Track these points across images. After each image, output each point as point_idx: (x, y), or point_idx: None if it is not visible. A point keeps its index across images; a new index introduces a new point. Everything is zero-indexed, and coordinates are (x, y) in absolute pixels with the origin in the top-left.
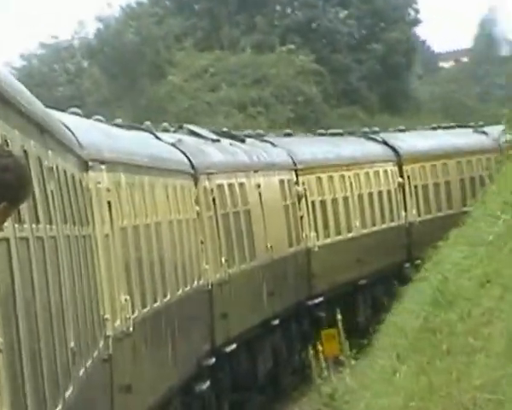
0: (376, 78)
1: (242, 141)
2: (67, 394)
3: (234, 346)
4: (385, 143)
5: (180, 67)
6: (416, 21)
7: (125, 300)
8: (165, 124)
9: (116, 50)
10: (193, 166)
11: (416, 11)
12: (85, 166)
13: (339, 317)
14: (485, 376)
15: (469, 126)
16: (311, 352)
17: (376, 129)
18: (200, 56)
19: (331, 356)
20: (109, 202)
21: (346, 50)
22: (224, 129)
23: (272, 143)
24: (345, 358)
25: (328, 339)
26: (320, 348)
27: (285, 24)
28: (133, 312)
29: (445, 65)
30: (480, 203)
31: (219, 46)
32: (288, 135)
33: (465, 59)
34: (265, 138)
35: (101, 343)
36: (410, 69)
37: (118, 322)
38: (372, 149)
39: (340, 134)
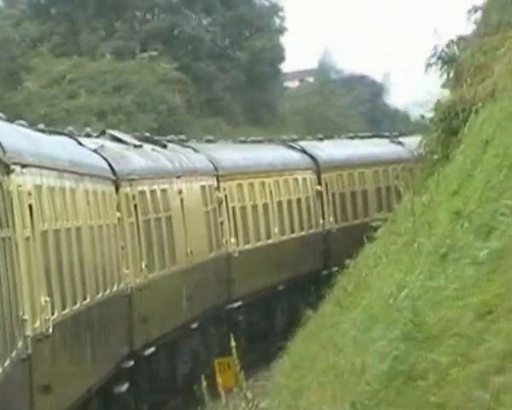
0: (241, 88)
1: (164, 147)
2: None
3: (153, 349)
4: (304, 151)
5: (36, 73)
6: (282, 30)
7: (45, 301)
8: (88, 129)
9: None
10: (114, 172)
11: (282, 19)
12: (7, 169)
13: (233, 344)
14: None
15: (385, 136)
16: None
17: (295, 137)
18: (57, 62)
19: (225, 388)
20: (30, 206)
21: (209, 58)
22: (147, 134)
23: (194, 149)
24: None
25: (222, 369)
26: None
27: (146, 30)
28: (53, 313)
29: (291, 84)
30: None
31: (78, 52)
32: (210, 141)
33: (310, 79)
34: (187, 144)
35: (20, 344)
36: (276, 79)
37: (37, 323)
38: (291, 156)
39: (261, 142)
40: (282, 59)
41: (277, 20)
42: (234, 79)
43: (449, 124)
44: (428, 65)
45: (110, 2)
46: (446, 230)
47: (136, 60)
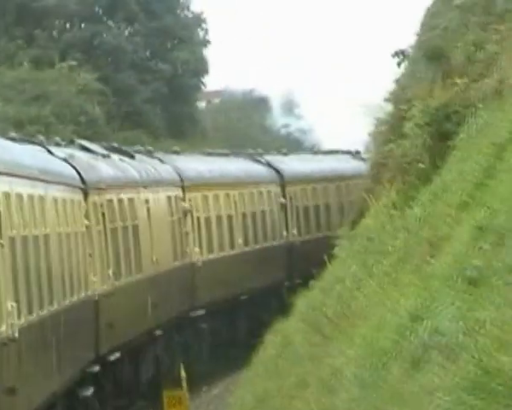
0: (162, 100)
1: (132, 157)
2: None
3: (118, 354)
4: (269, 164)
5: None
6: (205, 42)
7: (12, 306)
8: (58, 138)
9: None
10: (83, 181)
11: (206, 31)
12: None
13: (183, 374)
14: None
15: (348, 152)
16: None
17: (260, 151)
18: None
19: None
20: None
21: (130, 70)
22: (115, 145)
23: (161, 160)
24: None
25: (172, 404)
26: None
27: (65, 39)
28: (19, 318)
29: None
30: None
31: None
32: (176, 152)
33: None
34: (154, 155)
35: None
36: (199, 92)
37: (3, 327)
38: (257, 169)
39: (227, 154)
40: (205, 72)
41: (201, 33)
42: (155, 92)
43: (437, 128)
44: (401, 60)
45: (29, 10)
46: (468, 248)
47: (56, 69)
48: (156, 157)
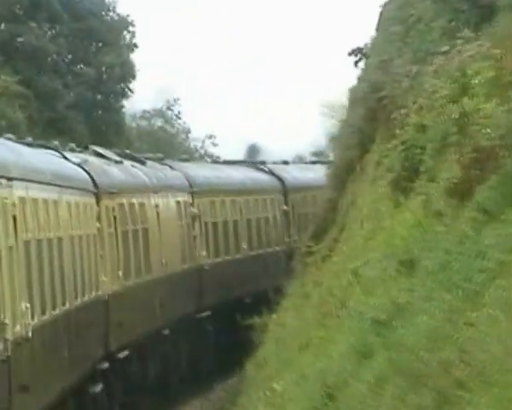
0: (87, 106)
1: (143, 163)
2: None
3: (126, 352)
4: (272, 173)
5: None
6: (132, 46)
7: (26, 307)
8: (72, 145)
9: None
10: (96, 186)
11: (133, 34)
12: None
13: None
14: None
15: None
16: None
17: (263, 159)
18: None
19: None
20: (14, 217)
21: (53, 73)
22: (127, 151)
23: (171, 167)
24: None
25: None
26: None
27: None
28: (33, 318)
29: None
30: None
31: None
32: (185, 160)
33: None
34: (165, 162)
35: (0, 346)
36: (125, 99)
37: (18, 327)
38: (261, 178)
39: (233, 163)
40: (132, 77)
41: (128, 36)
42: (79, 97)
43: None
44: (358, 59)
45: None
46: None
47: None
48: (167, 164)
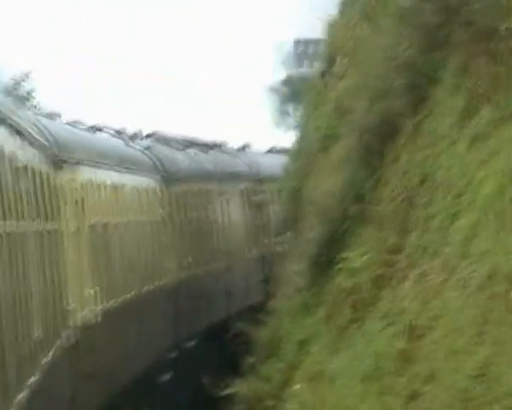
0: None
1: (208, 150)
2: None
3: (193, 342)
4: None
5: None
6: None
7: (93, 292)
8: (137, 130)
9: None
10: (160, 172)
11: None
12: (59, 164)
13: None
14: None
15: None
16: None
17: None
18: None
19: None
20: (80, 200)
21: None
22: (191, 137)
23: (234, 155)
24: None
25: None
26: None
27: None
28: (100, 303)
29: None
30: None
31: None
32: (245, 148)
33: None
34: (228, 149)
35: (67, 332)
36: None
37: (85, 312)
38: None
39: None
40: None
41: None
42: None
43: None
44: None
45: None
46: None
47: None
48: (230, 151)
